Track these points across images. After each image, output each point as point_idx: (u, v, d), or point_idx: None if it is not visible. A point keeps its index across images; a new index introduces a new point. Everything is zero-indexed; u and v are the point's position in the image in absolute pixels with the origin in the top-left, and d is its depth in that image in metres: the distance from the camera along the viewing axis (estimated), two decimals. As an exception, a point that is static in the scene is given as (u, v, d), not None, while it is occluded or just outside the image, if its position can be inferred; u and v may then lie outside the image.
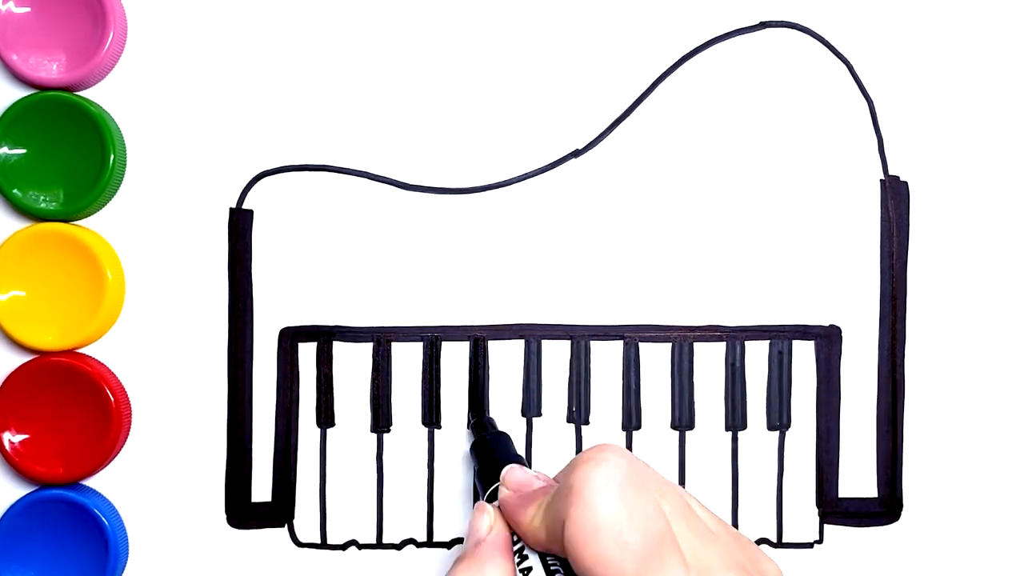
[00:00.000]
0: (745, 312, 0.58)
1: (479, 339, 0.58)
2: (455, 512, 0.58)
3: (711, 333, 0.58)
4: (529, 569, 0.46)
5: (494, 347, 0.58)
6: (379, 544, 0.58)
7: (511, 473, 0.50)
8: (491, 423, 0.56)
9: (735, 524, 0.58)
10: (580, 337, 0.58)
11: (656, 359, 0.58)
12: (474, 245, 0.58)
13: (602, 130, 0.58)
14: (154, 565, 0.58)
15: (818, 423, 0.58)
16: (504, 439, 0.55)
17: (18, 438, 0.56)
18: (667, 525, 0.44)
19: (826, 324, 0.58)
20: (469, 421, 0.57)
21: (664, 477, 0.46)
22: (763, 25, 0.58)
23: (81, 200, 0.56)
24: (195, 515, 0.58)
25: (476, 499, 0.57)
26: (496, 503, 0.49)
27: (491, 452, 0.54)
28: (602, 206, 0.58)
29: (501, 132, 0.58)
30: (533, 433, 0.58)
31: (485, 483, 0.52)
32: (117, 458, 0.58)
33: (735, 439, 0.58)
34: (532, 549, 0.47)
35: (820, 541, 0.58)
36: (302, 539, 0.58)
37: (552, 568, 0.46)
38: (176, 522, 0.58)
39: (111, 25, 0.56)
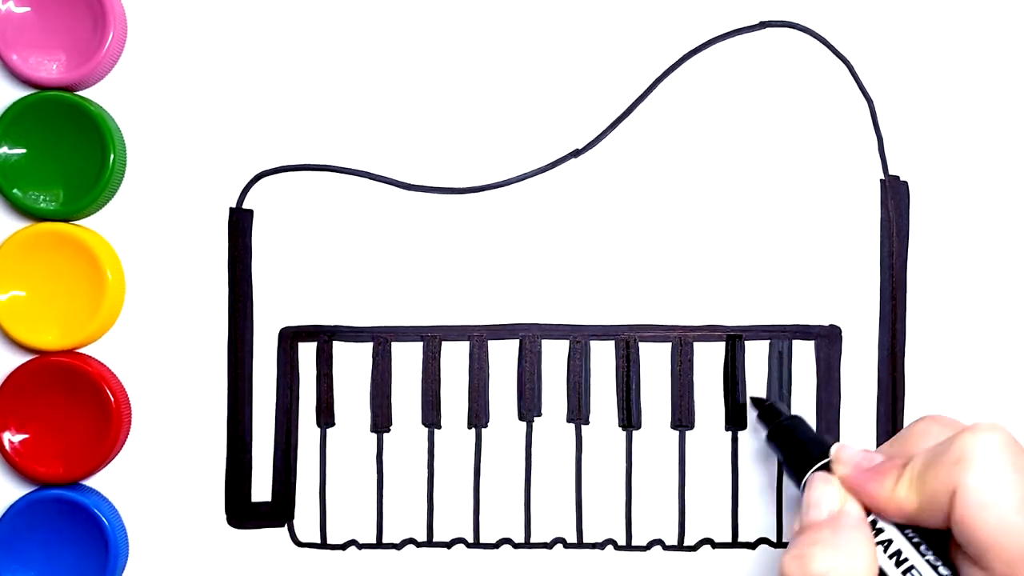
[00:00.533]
0: (745, 312, 0.58)
1: (478, 338, 0.58)
2: (455, 511, 0.58)
3: (711, 333, 0.58)
4: (888, 542, 0.46)
5: (494, 347, 0.58)
6: (379, 544, 0.58)
7: (844, 451, 0.50)
8: (782, 408, 0.56)
9: (735, 524, 0.58)
10: (580, 337, 0.58)
11: (656, 359, 0.58)
12: (474, 245, 0.58)
13: (602, 130, 0.58)
14: (154, 565, 0.58)
15: (818, 423, 0.58)
16: (803, 422, 0.54)
17: (18, 438, 0.56)
18: None
19: (826, 324, 0.58)
20: (756, 412, 0.56)
21: None
22: (763, 25, 0.58)
23: (81, 200, 0.56)
24: (195, 515, 0.58)
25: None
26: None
27: (796, 435, 0.53)
28: (602, 206, 0.58)
29: (501, 132, 0.58)
30: (533, 433, 0.58)
31: (798, 466, 0.52)
32: (117, 458, 0.58)
33: (735, 439, 0.58)
34: (887, 521, 0.47)
35: (820, 541, 0.58)
36: (302, 539, 0.58)
37: (913, 540, 0.46)
38: (176, 522, 0.58)
39: (111, 25, 0.56)
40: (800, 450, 0.52)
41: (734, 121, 0.58)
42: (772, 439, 0.54)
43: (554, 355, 0.58)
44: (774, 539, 0.58)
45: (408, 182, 0.58)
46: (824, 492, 0.48)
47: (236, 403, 0.58)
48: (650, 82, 0.58)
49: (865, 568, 0.46)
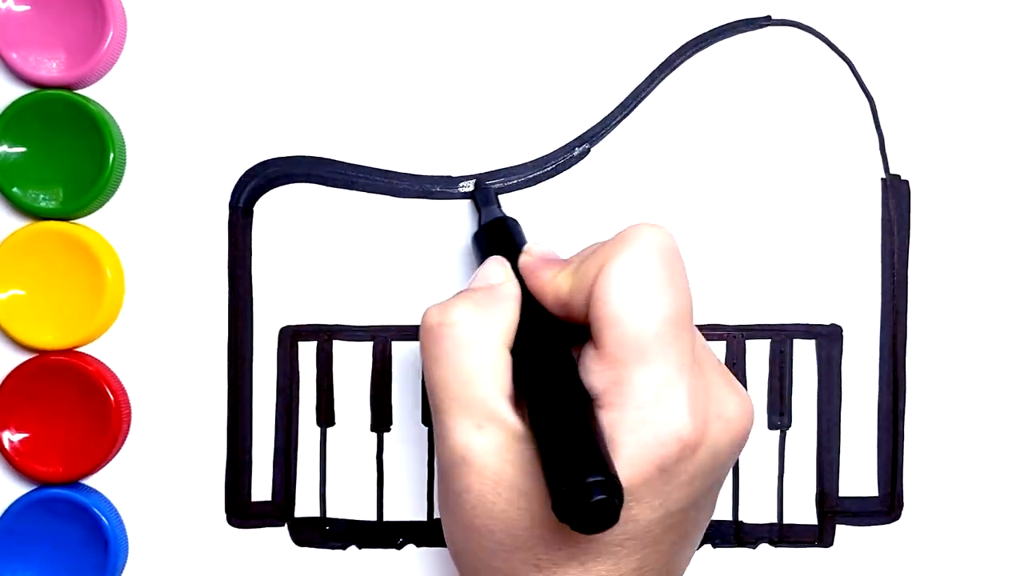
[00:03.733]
0: (746, 311, 0.58)
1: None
2: (456, 512, 0.58)
3: (711, 333, 0.58)
4: None
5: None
6: (379, 544, 0.58)
7: (536, 245, 0.51)
8: (499, 204, 0.56)
9: (735, 522, 0.58)
10: (581, 336, 0.58)
11: (657, 358, 0.58)
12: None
13: (603, 129, 0.58)
14: (154, 565, 0.58)
15: (819, 422, 0.58)
16: (517, 223, 0.55)
17: (18, 437, 0.56)
18: (691, 306, 0.46)
19: (827, 323, 0.58)
20: (472, 198, 0.57)
21: None
22: (766, 24, 0.58)
23: (81, 199, 0.56)
24: (195, 515, 0.58)
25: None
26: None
27: (507, 230, 0.54)
28: (602, 206, 0.58)
29: (501, 131, 0.58)
30: (534, 433, 0.58)
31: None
32: (117, 458, 0.57)
33: (736, 438, 0.58)
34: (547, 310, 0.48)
35: (820, 540, 0.58)
36: (302, 539, 0.58)
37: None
38: (176, 522, 0.58)
39: (111, 23, 0.56)
40: (505, 243, 0.53)
41: (735, 120, 0.58)
42: (484, 233, 0.55)
43: (555, 355, 0.58)
44: (774, 539, 0.58)
45: (408, 181, 0.58)
46: (493, 269, 0.50)
47: (236, 403, 0.58)
48: (651, 81, 0.58)
49: (496, 331, 0.47)
